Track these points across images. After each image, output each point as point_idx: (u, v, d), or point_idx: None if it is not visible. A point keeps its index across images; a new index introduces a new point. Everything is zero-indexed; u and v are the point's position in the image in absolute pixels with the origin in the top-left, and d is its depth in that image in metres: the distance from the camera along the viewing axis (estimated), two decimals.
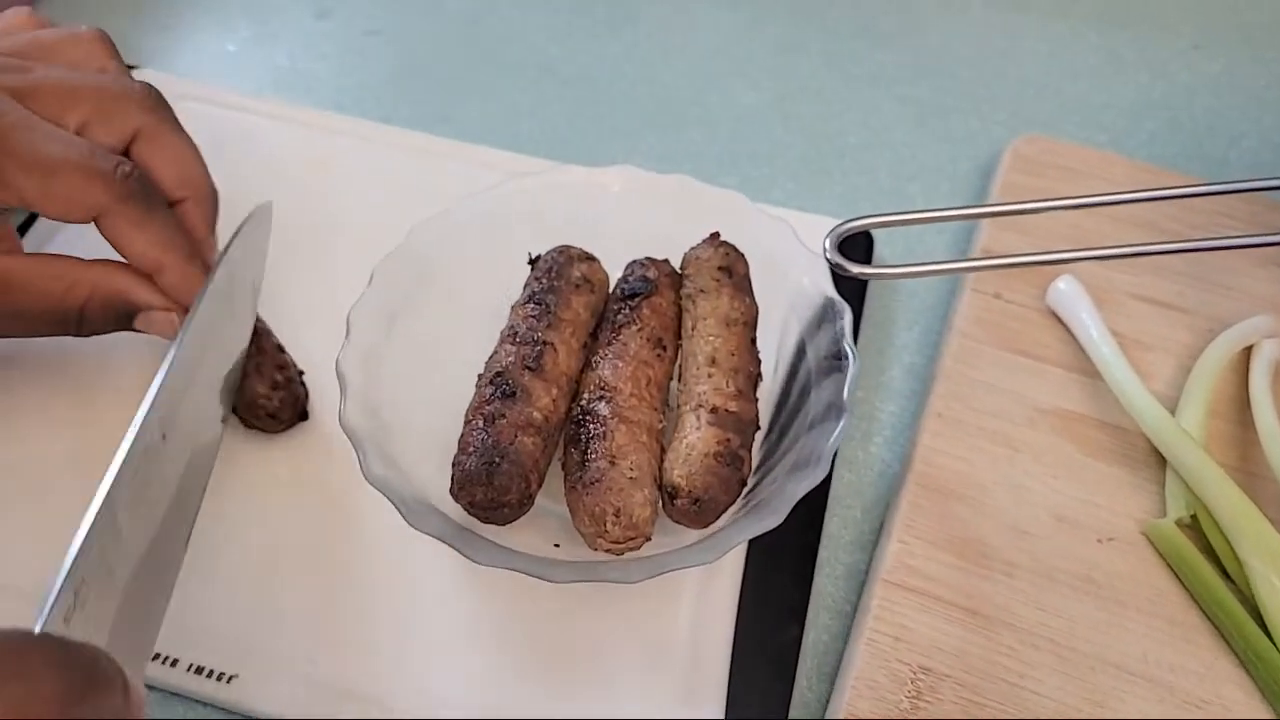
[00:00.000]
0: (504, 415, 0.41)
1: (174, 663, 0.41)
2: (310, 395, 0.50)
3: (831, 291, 0.46)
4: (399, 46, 0.74)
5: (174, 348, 0.40)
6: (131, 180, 0.43)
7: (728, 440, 0.42)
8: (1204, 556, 0.43)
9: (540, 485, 0.42)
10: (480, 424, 0.41)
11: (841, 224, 0.44)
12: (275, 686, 0.41)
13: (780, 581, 0.45)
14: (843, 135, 0.68)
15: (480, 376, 0.44)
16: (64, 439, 0.48)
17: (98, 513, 0.33)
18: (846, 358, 0.43)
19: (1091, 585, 0.44)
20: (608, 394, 0.43)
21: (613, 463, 0.40)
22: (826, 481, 0.45)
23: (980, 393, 0.50)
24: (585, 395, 0.43)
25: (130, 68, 0.50)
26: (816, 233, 0.47)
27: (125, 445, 0.35)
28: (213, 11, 0.76)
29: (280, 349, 0.50)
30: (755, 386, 0.45)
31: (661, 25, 0.76)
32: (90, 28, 0.48)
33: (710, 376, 0.44)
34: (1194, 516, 0.45)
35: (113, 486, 0.34)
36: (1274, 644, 0.40)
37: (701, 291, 0.47)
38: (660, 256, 0.49)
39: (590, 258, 0.49)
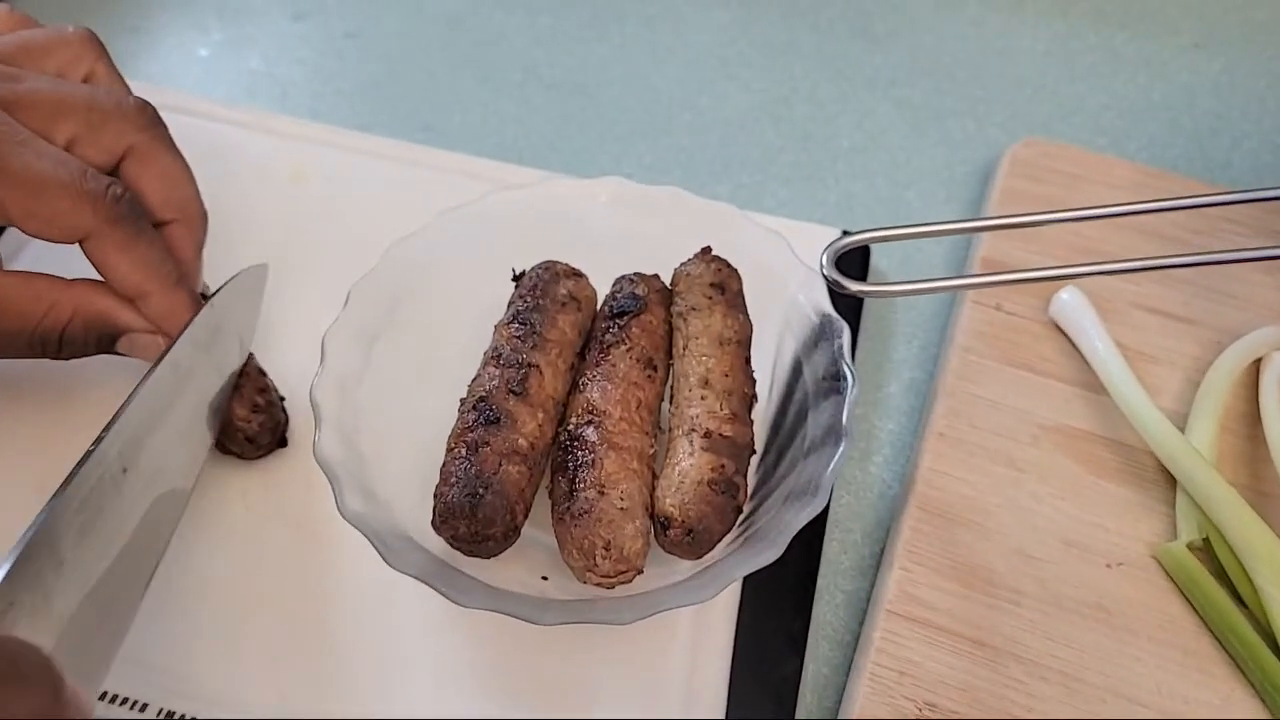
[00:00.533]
0: (488, 443, 0.39)
1: (143, 707, 0.39)
2: (290, 421, 0.48)
3: (829, 309, 0.44)
4: (378, 50, 0.71)
5: (143, 380, 0.38)
6: (121, 203, 0.41)
7: (722, 466, 0.40)
8: (1217, 581, 0.42)
9: (526, 516, 0.40)
10: (463, 452, 0.39)
11: (838, 240, 0.42)
12: None
13: (779, 610, 0.43)
14: (837, 139, 0.66)
15: (463, 401, 0.42)
16: (30, 467, 0.46)
17: (31, 539, 0.31)
18: (845, 379, 0.41)
19: (1101, 613, 0.42)
20: (596, 418, 0.41)
21: (602, 492, 0.38)
22: (825, 504, 0.43)
23: (982, 410, 0.48)
24: (573, 420, 0.41)
25: None
26: (811, 241, 0.45)
27: (75, 473, 0.34)
28: (184, 13, 0.73)
29: (261, 371, 0.48)
30: (750, 408, 0.43)
31: (649, 26, 0.74)
32: (78, 28, 0.46)
33: (703, 399, 0.42)
34: (1206, 539, 0.43)
35: (49, 515, 0.32)
36: None
37: (693, 309, 0.45)
38: (650, 272, 0.47)
39: (577, 274, 0.47)
